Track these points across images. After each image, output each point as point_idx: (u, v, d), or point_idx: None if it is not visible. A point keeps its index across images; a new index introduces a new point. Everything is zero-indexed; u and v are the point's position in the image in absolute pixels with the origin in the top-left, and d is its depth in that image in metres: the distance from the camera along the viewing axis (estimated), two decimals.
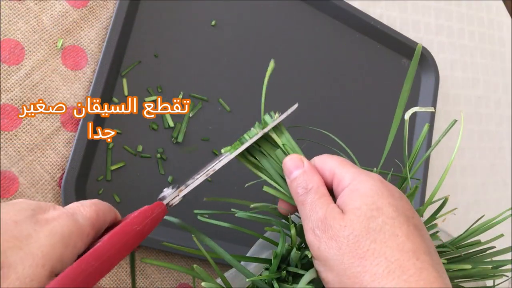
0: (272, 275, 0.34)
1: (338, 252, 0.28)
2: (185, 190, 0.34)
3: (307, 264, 0.34)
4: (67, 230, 0.27)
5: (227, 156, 0.36)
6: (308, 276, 0.31)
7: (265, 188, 0.36)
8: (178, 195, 0.34)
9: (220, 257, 0.35)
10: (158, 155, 0.49)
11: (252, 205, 0.35)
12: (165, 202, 0.33)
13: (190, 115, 0.51)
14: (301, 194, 0.32)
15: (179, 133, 0.50)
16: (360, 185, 0.30)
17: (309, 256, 0.32)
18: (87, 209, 0.29)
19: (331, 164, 0.33)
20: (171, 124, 0.50)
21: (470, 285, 0.41)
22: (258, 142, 0.37)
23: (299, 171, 0.33)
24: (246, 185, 0.40)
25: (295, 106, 0.38)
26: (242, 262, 0.37)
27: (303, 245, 0.36)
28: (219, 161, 0.36)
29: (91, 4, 0.48)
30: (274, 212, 0.37)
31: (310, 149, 0.39)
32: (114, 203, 0.47)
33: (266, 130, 0.36)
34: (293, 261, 0.34)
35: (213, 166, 0.35)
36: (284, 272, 0.34)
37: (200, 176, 0.35)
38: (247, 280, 0.33)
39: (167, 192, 0.34)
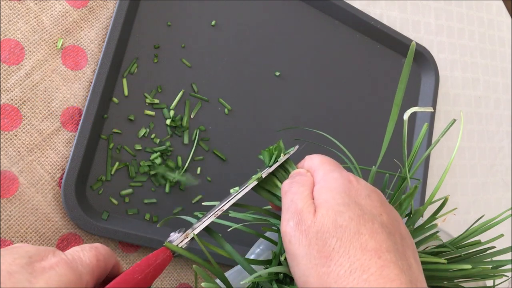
0: (271, 276, 0.34)
1: (307, 250, 0.28)
2: (192, 234, 0.34)
3: None
4: (65, 280, 0.26)
5: (235, 196, 0.36)
6: (273, 269, 0.32)
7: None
8: (186, 238, 0.33)
9: (230, 257, 0.35)
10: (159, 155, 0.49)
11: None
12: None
13: (192, 116, 0.51)
14: (287, 183, 0.33)
15: (184, 135, 0.50)
16: (329, 182, 0.31)
17: (283, 258, 0.32)
18: (87, 254, 0.28)
19: (314, 161, 0.34)
20: (171, 123, 0.50)
21: (470, 285, 0.41)
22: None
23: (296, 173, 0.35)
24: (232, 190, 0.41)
25: (296, 147, 0.39)
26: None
27: None
28: (228, 201, 0.35)
29: (91, 4, 0.48)
30: (272, 214, 0.37)
31: (309, 150, 0.39)
32: (112, 205, 0.47)
33: (271, 170, 0.37)
34: (286, 264, 0.34)
35: (221, 207, 0.35)
36: (282, 274, 0.34)
37: (208, 218, 0.34)
38: (245, 281, 0.33)
39: (174, 236, 0.33)
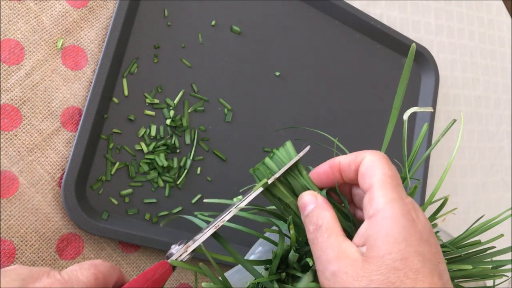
0: (272, 276, 0.34)
1: None
2: (193, 246, 0.32)
3: (306, 266, 0.34)
4: None
5: (238, 205, 0.33)
6: (305, 280, 0.31)
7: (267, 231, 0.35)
8: (186, 251, 0.32)
9: (231, 261, 0.34)
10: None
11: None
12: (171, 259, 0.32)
13: (189, 110, 0.51)
14: (312, 231, 0.31)
15: (185, 134, 0.50)
16: (388, 223, 0.27)
17: (310, 264, 0.32)
18: (84, 273, 0.28)
19: (374, 178, 0.29)
20: (171, 123, 0.50)
21: (470, 285, 0.41)
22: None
23: (312, 206, 0.32)
24: (241, 190, 0.39)
25: (307, 148, 0.36)
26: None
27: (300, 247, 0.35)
28: (230, 211, 0.33)
29: (91, 4, 0.48)
30: (273, 214, 0.37)
31: (310, 150, 0.38)
32: (112, 205, 0.47)
33: (277, 175, 0.34)
34: (291, 262, 0.34)
35: (223, 218, 0.33)
36: (284, 274, 0.34)
37: (209, 229, 0.33)
38: (247, 283, 0.33)
39: (175, 249, 0.32)
